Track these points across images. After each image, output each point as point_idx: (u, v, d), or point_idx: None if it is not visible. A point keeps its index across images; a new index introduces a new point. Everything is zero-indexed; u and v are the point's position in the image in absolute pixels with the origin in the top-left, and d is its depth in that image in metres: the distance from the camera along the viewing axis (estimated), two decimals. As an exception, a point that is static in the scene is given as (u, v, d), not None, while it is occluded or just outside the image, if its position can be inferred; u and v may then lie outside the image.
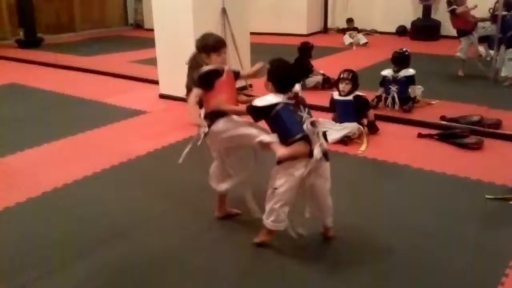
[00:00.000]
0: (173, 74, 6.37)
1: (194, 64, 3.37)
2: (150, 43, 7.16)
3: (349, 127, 4.75)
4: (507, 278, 2.69)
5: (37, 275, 2.80)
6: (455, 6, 7.31)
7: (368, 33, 11.26)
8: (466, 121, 5.05)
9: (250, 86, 6.77)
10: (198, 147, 4.91)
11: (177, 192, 3.83)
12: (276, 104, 2.74)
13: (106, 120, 5.64)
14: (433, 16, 11.21)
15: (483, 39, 9.18)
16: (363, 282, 2.69)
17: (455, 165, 4.16)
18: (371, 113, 5.02)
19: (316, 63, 7.17)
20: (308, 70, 6.85)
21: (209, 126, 3.00)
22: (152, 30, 6.64)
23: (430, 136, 4.86)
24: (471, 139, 4.61)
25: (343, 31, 10.88)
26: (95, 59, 9.83)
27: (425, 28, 11.08)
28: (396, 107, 5.66)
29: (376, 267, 2.81)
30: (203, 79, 3.02)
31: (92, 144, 4.96)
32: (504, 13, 6.61)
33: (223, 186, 3.19)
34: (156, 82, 6.80)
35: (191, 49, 5.94)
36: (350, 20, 11.07)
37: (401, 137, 4.95)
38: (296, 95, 2.83)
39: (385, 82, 5.79)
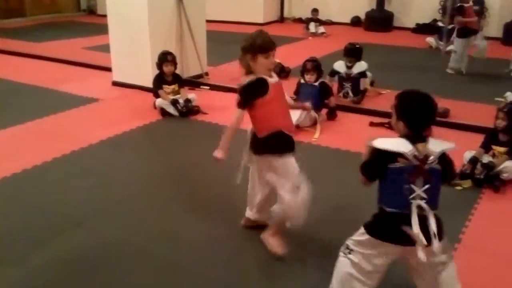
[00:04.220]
0: (126, 61, 6.28)
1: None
2: (103, 29, 7.01)
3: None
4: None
5: (-14, 266, 2.73)
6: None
7: (323, 22, 11.35)
8: (416, 110, 5.19)
9: (206, 74, 6.74)
10: (152, 135, 4.91)
11: (133, 181, 3.80)
12: (397, 156, 2.02)
13: (58, 108, 5.51)
14: (386, 7, 11.42)
15: (433, 31, 9.51)
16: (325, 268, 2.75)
17: (405, 153, 4.27)
18: (333, 99, 5.19)
19: (271, 52, 7.18)
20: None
21: (277, 153, 2.71)
22: (105, 16, 6.51)
23: (381, 125, 4.99)
24: (420, 128, 4.75)
25: (309, 20, 10.88)
26: (47, 45, 9.53)
27: (378, 19, 11.28)
28: (349, 99, 5.77)
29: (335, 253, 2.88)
30: (246, 94, 2.67)
31: (43, 133, 4.84)
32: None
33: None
34: (109, 69, 6.67)
35: (145, 35, 5.94)
36: (315, 10, 11.11)
37: (354, 126, 5.05)
38: (425, 158, 2.02)
39: (339, 78, 5.86)
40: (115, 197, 3.54)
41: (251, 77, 2.67)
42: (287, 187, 2.69)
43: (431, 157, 2.03)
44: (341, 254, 2.25)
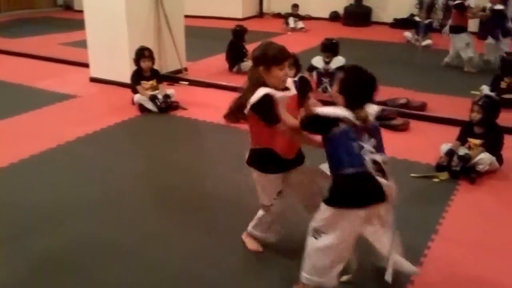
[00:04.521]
0: (104, 57, 6.22)
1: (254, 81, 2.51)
2: (80, 25, 6.91)
3: None
4: (429, 250, 2.86)
5: (-39, 266, 2.69)
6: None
7: (303, 17, 11.38)
8: (394, 103, 5.25)
9: (185, 69, 6.70)
10: (130, 131, 4.87)
11: (112, 179, 3.77)
12: (337, 121, 2.21)
13: (34, 105, 5.42)
14: (364, 2, 11.48)
15: (411, 26, 9.58)
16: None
17: (383, 146, 4.32)
18: (312, 95, 5.17)
19: (250, 47, 7.15)
20: (243, 54, 6.88)
21: (258, 169, 2.61)
22: (82, 11, 6.42)
23: (360, 118, 5.02)
24: (398, 121, 4.81)
25: (289, 16, 10.92)
26: (22, 41, 9.37)
27: (357, 14, 11.34)
28: (328, 93, 5.80)
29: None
30: (262, 108, 2.45)
31: (19, 130, 4.76)
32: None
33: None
34: (86, 65, 6.60)
35: (122, 31, 5.88)
36: (295, 6, 11.15)
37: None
38: (365, 118, 2.25)
39: (317, 74, 5.88)
40: (95, 195, 3.50)
41: (259, 93, 2.43)
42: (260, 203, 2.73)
43: (370, 117, 2.26)
44: (311, 239, 2.31)
